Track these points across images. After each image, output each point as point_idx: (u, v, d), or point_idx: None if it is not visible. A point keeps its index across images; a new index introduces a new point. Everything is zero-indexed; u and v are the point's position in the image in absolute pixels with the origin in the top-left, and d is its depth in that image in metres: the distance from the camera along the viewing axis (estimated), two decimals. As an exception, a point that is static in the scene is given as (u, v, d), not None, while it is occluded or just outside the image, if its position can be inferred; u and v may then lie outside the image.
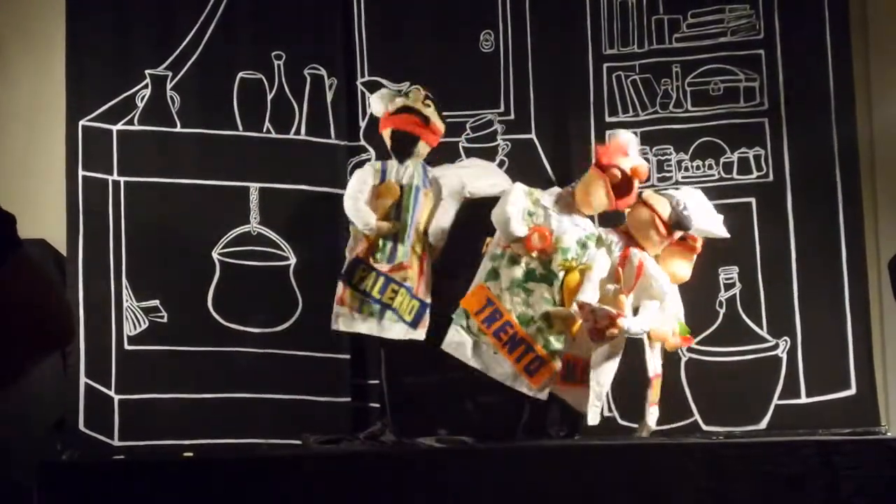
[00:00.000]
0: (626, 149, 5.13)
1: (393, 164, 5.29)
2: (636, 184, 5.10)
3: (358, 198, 5.23)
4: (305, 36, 5.85)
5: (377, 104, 5.37)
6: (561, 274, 5.04)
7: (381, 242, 5.20)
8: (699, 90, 5.67)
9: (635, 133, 5.58)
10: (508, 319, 5.02)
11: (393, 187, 5.24)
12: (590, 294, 4.96)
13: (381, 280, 5.18)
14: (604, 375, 5.00)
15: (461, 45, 5.81)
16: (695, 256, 5.19)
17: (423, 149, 5.31)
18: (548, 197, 5.18)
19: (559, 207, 5.14)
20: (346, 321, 5.23)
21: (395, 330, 5.20)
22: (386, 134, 5.34)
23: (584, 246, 5.09)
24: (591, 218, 5.25)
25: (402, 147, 5.28)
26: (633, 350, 5.28)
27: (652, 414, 5.07)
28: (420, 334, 5.22)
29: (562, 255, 5.05)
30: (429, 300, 5.25)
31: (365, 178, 5.28)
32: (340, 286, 5.24)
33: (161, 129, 5.72)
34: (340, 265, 5.38)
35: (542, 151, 5.71)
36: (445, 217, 5.27)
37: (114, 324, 5.58)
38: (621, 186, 5.06)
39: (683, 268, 5.20)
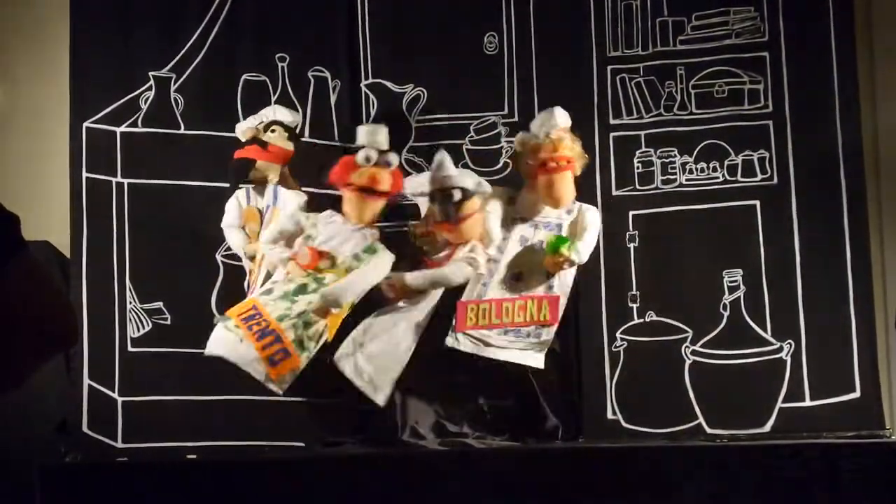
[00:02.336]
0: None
1: (253, 192, 5.52)
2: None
3: (231, 225, 5.52)
4: (309, 38, 5.85)
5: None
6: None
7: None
8: (703, 92, 5.66)
9: (639, 135, 5.59)
10: (265, 316, 5.11)
11: (252, 212, 5.48)
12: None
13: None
14: None
15: (465, 47, 5.80)
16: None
17: (266, 169, 5.45)
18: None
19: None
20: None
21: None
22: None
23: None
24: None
25: (242, 173, 5.46)
26: (637, 357, 5.29)
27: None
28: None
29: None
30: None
31: (235, 206, 5.53)
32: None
33: (165, 130, 5.72)
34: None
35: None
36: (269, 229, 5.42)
37: (117, 326, 5.57)
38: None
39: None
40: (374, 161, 5.29)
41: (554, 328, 5.22)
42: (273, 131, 5.47)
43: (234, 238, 5.53)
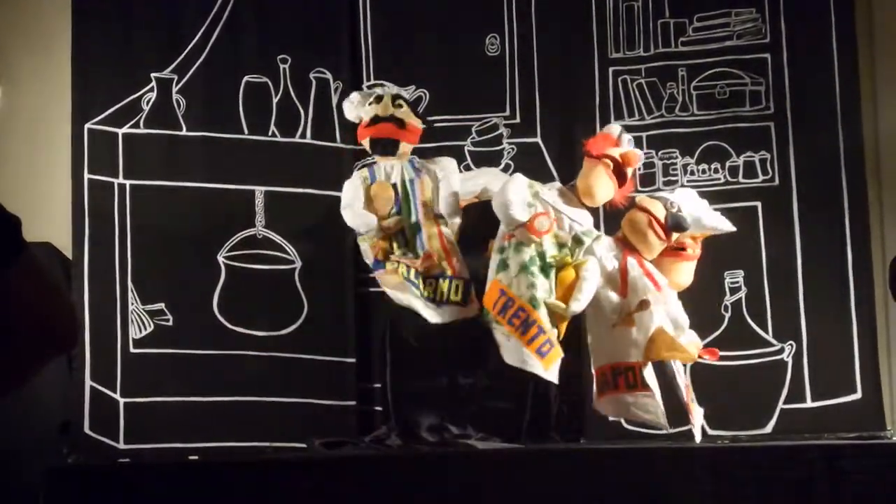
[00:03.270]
0: (614, 139, 5.12)
1: (379, 167, 5.22)
2: (629, 171, 5.09)
3: (354, 204, 5.17)
4: (311, 40, 5.85)
5: (350, 111, 5.32)
6: (553, 269, 5.02)
7: (393, 245, 5.12)
8: (705, 94, 5.67)
9: (641, 137, 5.59)
10: (521, 305, 4.98)
11: (385, 185, 5.18)
12: (582, 303, 4.97)
13: (412, 272, 5.06)
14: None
15: (466, 49, 5.81)
16: (695, 260, 5.17)
17: (405, 149, 5.25)
18: (548, 191, 5.16)
19: (561, 202, 5.12)
20: (406, 297, 5.06)
21: (448, 313, 5.09)
22: (365, 142, 5.30)
23: (579, 242, 5.06)
24: (593, 216, 5.23)
25: (384, 150, 5.22)
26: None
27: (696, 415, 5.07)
28: (473, 310, 5.12)
29: (558, 249, 5.03)
30: (467, 274, 5.13)
31: (356, 185, 5.23)
32: (379, 273, 5.13)
33: (167, 132, 5.72)
34: (346, 268, 5.39)
35: (548, 155, 5.71)
36: (450, 190, 5.21)
37: (119, 327, 5.58)
38: (615, 176, 5.06)
39: (682, 273, 5.17)
40: (632, 147, 5.14)
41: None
42: (400, 107, 5.23)
43: (358, 213, 5.14)
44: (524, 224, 4.97)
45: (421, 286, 5.03)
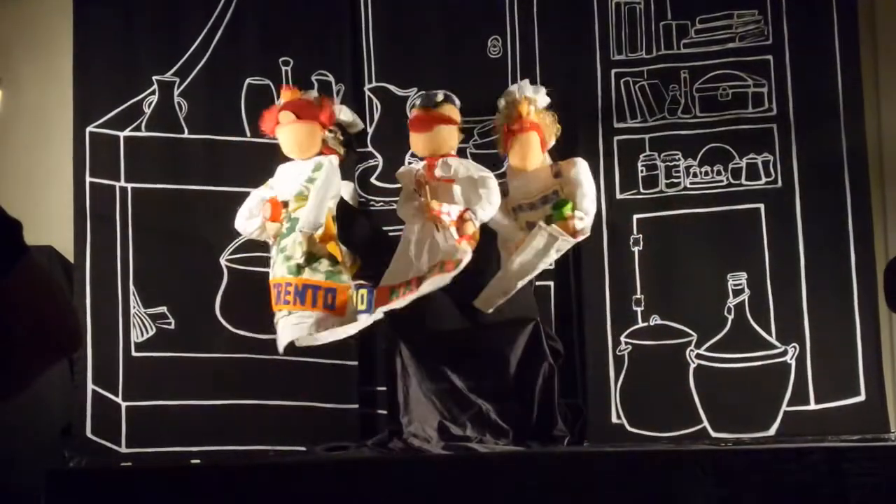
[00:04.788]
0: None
1: None
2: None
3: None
4: (313, 42, 5.85)
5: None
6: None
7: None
8: (707, 96, 5.66)
9: (644, 139, 5.60)
10: (284, 281, 5.15)
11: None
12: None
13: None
14: None
15: (469, 51, 5.80)
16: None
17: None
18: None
19: None
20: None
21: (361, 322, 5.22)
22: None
23: None
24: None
25: None
26: (642, 360, 5.28)
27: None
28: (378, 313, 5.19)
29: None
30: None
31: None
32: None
33: (168, 135, 5.73)
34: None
35: (550, 157, 5.70)
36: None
37: (121, 330, 5.58)
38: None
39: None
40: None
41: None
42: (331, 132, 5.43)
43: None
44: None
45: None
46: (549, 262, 5.21)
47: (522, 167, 5.29)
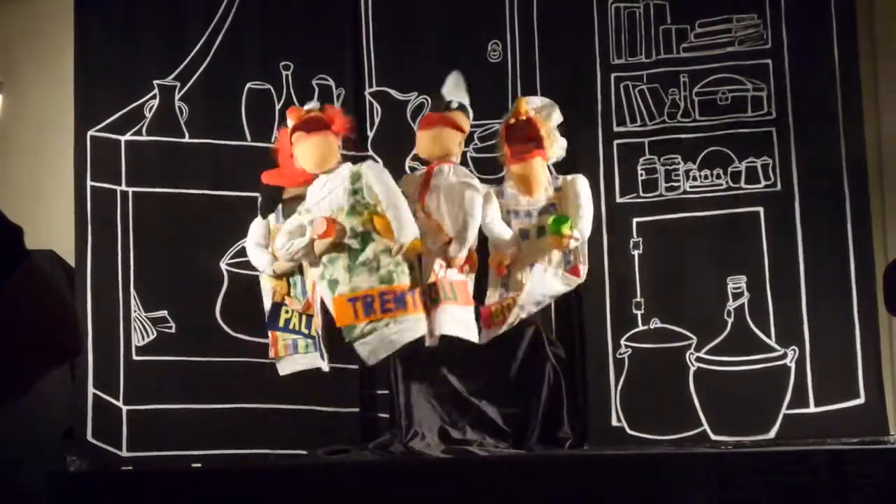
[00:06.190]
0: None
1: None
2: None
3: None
4: (314, 46, 5.86)
5: None
6: None
7: (292, 282, 5.30)
8: (707, 100, 5.67)
9: (643, 143, 5.61)
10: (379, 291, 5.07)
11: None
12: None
13: (304, 318, 5.23)
14: None
15: (469, 55, 5.81)
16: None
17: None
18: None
19: None
20: (290, 365, 5.28)
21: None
22: None
23: None
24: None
25: None
26: (642, 363, 5.28)
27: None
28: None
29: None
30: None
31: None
32: (271, 336, 5.28)
33: (169, 139, 5.73)
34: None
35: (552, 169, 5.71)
36: None
37: (122, 334, 5.59)
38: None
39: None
40: None
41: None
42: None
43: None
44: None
45: (308, 331, 5.22)
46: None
47: (527, 194, 5.29)
